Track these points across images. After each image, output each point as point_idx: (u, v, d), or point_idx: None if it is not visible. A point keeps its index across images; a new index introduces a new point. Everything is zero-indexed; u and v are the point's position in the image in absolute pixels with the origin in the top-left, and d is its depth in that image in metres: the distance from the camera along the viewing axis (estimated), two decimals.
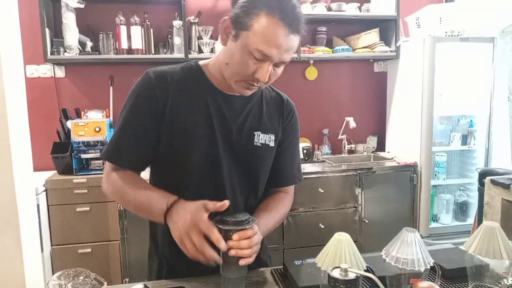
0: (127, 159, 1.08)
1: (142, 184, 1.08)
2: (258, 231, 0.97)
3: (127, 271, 2.70)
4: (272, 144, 1.16)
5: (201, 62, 1.14)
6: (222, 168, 1.09)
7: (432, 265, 0.93)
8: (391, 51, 3.21)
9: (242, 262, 0.91)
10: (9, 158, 1.73)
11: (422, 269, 0.91)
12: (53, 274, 2.58)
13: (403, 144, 3.24)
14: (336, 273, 0.78)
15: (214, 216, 0.95)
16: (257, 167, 1.15)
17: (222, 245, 0.89)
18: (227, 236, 0.90)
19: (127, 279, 2.69)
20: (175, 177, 1.10)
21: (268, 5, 0.93)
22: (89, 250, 2.68)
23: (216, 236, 0.89)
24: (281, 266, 1.15)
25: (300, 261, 1.13)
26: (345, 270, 0.77)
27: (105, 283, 1.03)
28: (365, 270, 0.90)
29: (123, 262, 2.69)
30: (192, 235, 0.90)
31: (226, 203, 0.93)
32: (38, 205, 2.39)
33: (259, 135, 1.13)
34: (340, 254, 0.89)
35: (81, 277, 0.97)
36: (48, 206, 2.60)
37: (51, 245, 2.63)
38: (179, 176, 1.09)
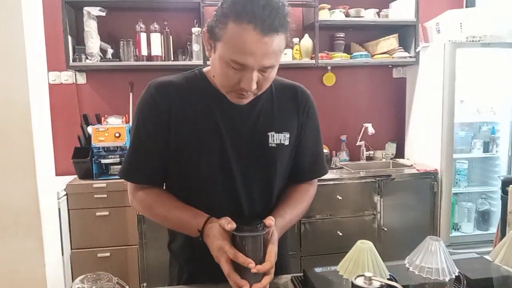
0: (143, 177, 1.09)
1: (170, 203, 1.07)
2: (275, 251, 0.95)
3: (145, 275, 2.71)
4: (287, 142, 1.10)
5: (205, 69, 1.11)
6: (235, 176, 1.07)
7: (457, 275, 0.91)
8: (410, 57, 3.18)
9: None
10: (33, 162, 1.77)
11: (447, 279, 0.89)
12: (72, 277, 2.62)
13: (423, 151, 3.19)
14: (360, 282, 0.77)
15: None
16: (274, 168, 1.11)
17: (252, 265, 0.88)
18: (242, 242, 0.90)
19: (144, 284, 2.70)
20: (187, 189, 1.09)
21: (235, 11, 0.87)
22: (108, 254, 2.71)
23: (242, 259, 0.88)
24: (301, 274, 1.14)
25: (321, 269, 1.12)
26: (369, 279, 0.76)
27: (127, 287, 1.04)
28: (388, 279, 0.89)
29: (141, 267, 2.71)
30: (221, 263, 0.91)
31: (233, 225, 0.91)
32: (59, 209, 2.44)
33: (273, 135, 1.08)
34: (362, 262, 0.88)
35: (104, 281, 0.98)
36: (68, 210, 2.64)
37: (71, 249, 2.67)
38: (190, 188, 1.09)
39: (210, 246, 0.96)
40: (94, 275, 1.00)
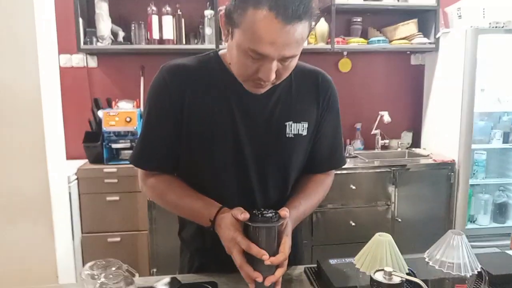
0: (154, 163, 1.07)
1: (181, 190, 1.05)
2: (289, 248, 0.92)
3: (155, 261, 2.73)
4: (305, 133, 1.06)
5: (221, 52, 1.05)
6: (249, 166, 1.03)
7: (479, 270, 0.88)
8: (429, 43, 3.09)
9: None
10: (43, 148, 1.76)
11: (469, 275, 0.86)
12: (83, 261, 2.65)
13: (440, 141, 3.13)
14: (379, 276, 0.75)
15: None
16: (290, 159, 1.07)
17: (266, 257, 0.85)
18: (255, 233, 0.88)
19: (154, 269, 2.72)
20: (199, 177, 1.07)
21: None
22: (118, 239, 2.72)
23: (255, 251, 0.86)
24: (315, 265, 1.12)
25: (335, 260, 1.09)
26: (389, 274, 0.74)
27: (137, 274, 1.03)
28: (407, 274, 0.86)
29: (151, 252, 2.72)
30: (233, 254, 0.89)
31: (246, 215, 0.89)
32: (69, 194, 2.45)
33: (291, 125, 1.03)
34: (381, 255, 0.85)
35: (113, 268, 0.97)
36: (79, 194, 2.66)
37: (82, 233, 2.69)
38: (202, 177, 1.06)
39: (221, 237, 0.94)
40: (104, 262, 0.99)
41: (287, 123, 1.04)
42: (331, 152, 1.15)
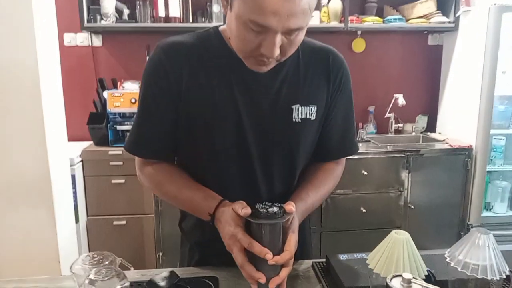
0: (150, 150, 0.98)
1: (180, 181, 0.97)
2: (295, 244, 0.84)
3: (161, 245, 2.69)
4: (313, 117, 0.97)
5: (222, 27, 0.96)
6: (252, 154, 0.95)
7: (508, 274, 0.79)
8: (449, 22, 2.94)
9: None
10: (42, 129, 1.70)
11: (497, 278, 0.77)
12: (88, 245, 2.63)
13: (457, 126, 3.00)
14: (396, 284, 0.66)
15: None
16: (297, 146, 0.98)
17: (269, 256, 0.77)
18: (258, 230, 0.80)
19: (160, 253, 2.69)
20: (199, 166, 0.99)
21: None
22: (124, 222, 2.69)
23: (258, 249, 0.78)
24: (324, 259, 1.04)
25: (345, 256, 1.01)
26: (408, 282, 0.65)
27: (132, 268, 0.97)
28: (426, 276, 0.77)
29: (157, 236, 2.68)
30: (233, 253, 0.82)
31: (248, 211, 0.81)
32: (74, 176, 2.40)
33: (298, 108, 0.94)
34: (397, 255, 0.76)
35: (107, 262, 0.91)
36: (84, 177, 2.61)
37: (87, 216, 2.65)
38: (202, 166, 0.98)
39: (221, 233, 0.86)
40: (96, 256, 0.92)
41: (293, 107, 0.95)
42: (342, 139, 1.06)
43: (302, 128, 0.97)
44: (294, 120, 0.95)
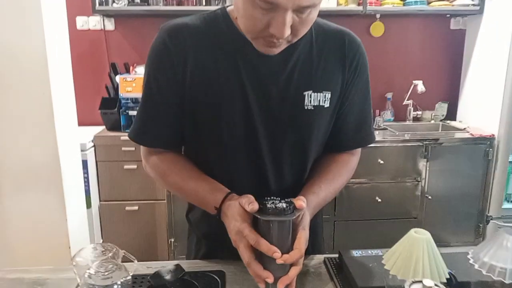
0: (154, 139, 0.94)
1: (186, 172, 0.93)
2: (306, 239, 0.80)
3: (173, 231, 2.68)
4: (327, 104, 0.90)
5: (230, 8, 0.90)
6: (261, 144, 0.89)
7: None
8: (473, 5, 2.80)
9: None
10: (51, 114, 1.67)
11: None
12: (101, 231, 2.63)
13: (479, 114, 2.89)
14: None
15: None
16: (309, 136, 0.92)
17: (277, 255, 0.72)
18: (266, 227, 0.75)
19: (172, 239, 2.68)
20: (205, 157, 0.94)
21: None
22: (136, 208, 2.67)
23: (265, 247, 0.73)
24: (336, 255, 0.99)
25: (359, 252, 0.96)
26: None
27: (135, 260, 0.93)
28: (447, 279, 0.71)
29: (169, 222, 2.66)
30: (240, 249, 0.77)
31: (255, 207, 0.76)
32: (85, 161, 2.39)
33: (310, 95, 0.88)
34: (416, 257, 0.70)
35: (110, 254, 0.88)
36: (96, 162, 2.60)
37: (100, 201, 2.65)
38: (208, 156, 0.93)
39: (228, 228, 0.82)
40: (100, 247, 0.89)
41: (306, 93, 0.88)
42: (358, 128, 0.99)
43: (315, 116, 0.90)
44: (306, 107, 0.88)
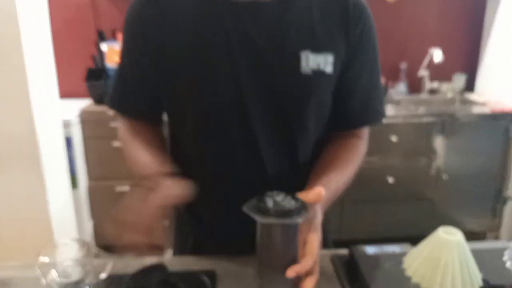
0: (130, 107, 0.90)
1: (142, 141, 0.89)
2: (319, 230, 0.69)
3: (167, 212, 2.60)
4: (329, 69, 0.81)
5: None
6: (252, 116, 0.81)
7: None
8: None
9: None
10: (25, 86, 1.56)
11: None
12: (91, 214, 2.54)
13: (500, 87, 2.76)
14: None
15: (240, 195, 0.69)
16: (306, 106, 0.83)
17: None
18: (266, 232, 0.64)
19: (167, 222, 2.60)
20: (192, 131, 0.86)
21: None
22: (127, 188, 2.58)
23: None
24: (346, 251, 0.89)
25: (373, 249, 0.86)
26: None
27: (111, 261, 0.84)
28: (481, 287, 0.62)
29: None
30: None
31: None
32: (70, 138, 2.28)
33: (308, 57, 0.79)
34: (445, 262, 0.61)
35: (82, 252, 0.79)
36: (84, 139, 2.50)
37: (88, 181, 2.56)
38: (193, 132, 0.86)
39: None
40: (68, 244, 0.80)
41: (302, 53, 0.78)
42: (365, 103, 0.90)
43: (315, 82, 0.81)
44: (302, 71, 0.79)
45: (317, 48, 0.79)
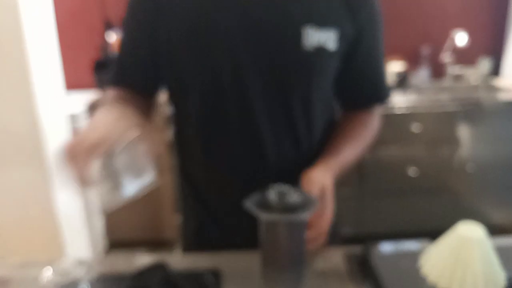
0: (131, 78, 0.89)
1: (115, 111, 0.80)
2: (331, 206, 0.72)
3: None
4: (332, 46, 0.80)
5: None
6: (252, 96, 0.80)
7: None
8: None
9: None
10: (27, 79, 1.55)
11: None
12: (102, 207, 2.55)
13: None
14: None
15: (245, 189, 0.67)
16: (308, 85, 0.83)
17: None
18: (270, 229, 0.61)
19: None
20: (191, 112, 0.86)
21: None
22: None
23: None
24: (360, 249, 0.86)
25: (389, 247, 0.83)
26: None
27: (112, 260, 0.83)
28: None
29: (175, 195, 2.58)
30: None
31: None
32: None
33: (309, 33, 0.78)
34: (465, 262, 0.57)
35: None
36: None
37: None
38: (189, 112, 0.87)
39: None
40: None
41: (304, 27, 0.77)
42: (374, 81, 0.92)
43: (317, 59, 0.80)
44: (304, 48, 0.77)
45: (320, 23, 0.78)
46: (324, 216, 0.72)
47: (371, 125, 0.95)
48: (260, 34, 0.78)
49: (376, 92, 0.93)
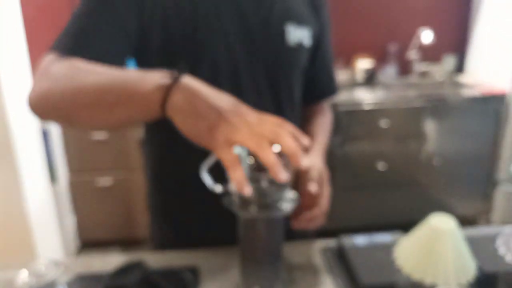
0: (99, 50, 0.73)
1: (107, 69, 0.67)
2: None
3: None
4: (307, 42, 0.88)
5: None
6: (242, 84, 0.82)
7: None
8: None
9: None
10: None
11: None
12: (75, 207, 2.48)
13: (490, 68, 2.75)
14: None
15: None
16: (292, 79, 0.89)
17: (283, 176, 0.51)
18: (249, 226, 0.60)
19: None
20: None
21: None
22: (110, 182, 2.52)
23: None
24: (335, 243, 0.88)
25: (363, 239, 0.84)
26: None
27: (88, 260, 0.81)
28: (477, 279, 0.60)
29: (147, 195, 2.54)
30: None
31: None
32: (48, 131, 2.22)
33: (291, 30, 0.84)
34: (438, 253, 0.59)
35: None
36: (62, 130, 2.43)
37: (69, 178, 2.49)
38: None
39: (211, 101, 0.57)
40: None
41: (287, 25, 0.83)
42: (330, 73, 1.03)
43: (297, 55, 0.87)
44: (288, 44, 0.84)
45: (298, 21, 0.85)
46: (323, 196, 0.77)
47: (329, 114, 1.05)
48: (249, 34, 0.81)
49: (331, 85, 1.03)
